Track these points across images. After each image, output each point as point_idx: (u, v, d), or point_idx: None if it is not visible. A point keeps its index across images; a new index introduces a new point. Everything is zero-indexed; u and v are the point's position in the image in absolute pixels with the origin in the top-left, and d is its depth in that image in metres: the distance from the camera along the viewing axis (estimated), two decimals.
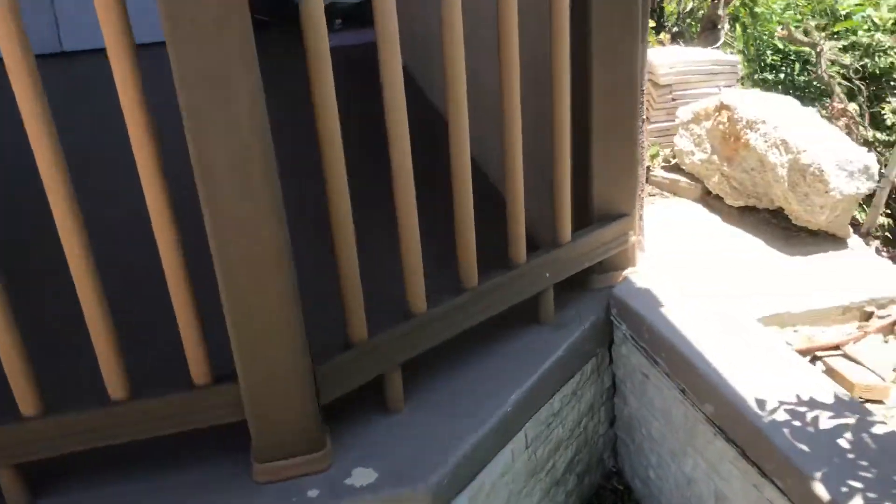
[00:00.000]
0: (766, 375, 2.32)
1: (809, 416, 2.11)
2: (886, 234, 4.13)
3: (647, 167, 4.57)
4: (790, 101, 4.17)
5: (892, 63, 5.75)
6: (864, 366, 3.20)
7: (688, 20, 5.88)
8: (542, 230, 2.81)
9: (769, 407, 2.15)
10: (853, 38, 5.93)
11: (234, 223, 1.79)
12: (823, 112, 4.80)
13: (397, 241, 2.18)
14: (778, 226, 3.97)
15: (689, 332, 2.54)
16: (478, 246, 2.35)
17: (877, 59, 5.83)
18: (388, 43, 1.96)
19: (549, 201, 2.62)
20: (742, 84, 5.30)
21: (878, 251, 3.80)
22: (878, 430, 2.05)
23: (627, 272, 2.90)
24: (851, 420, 2.09)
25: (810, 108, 4.17)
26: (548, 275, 2.61)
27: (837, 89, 4.89)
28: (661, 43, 5.69)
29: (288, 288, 1.89)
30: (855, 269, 3.61)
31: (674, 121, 4.58)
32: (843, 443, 2.00)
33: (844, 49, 5.89)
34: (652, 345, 2.62)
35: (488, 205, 2.69)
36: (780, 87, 5.72)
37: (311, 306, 2.02)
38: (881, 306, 3.45)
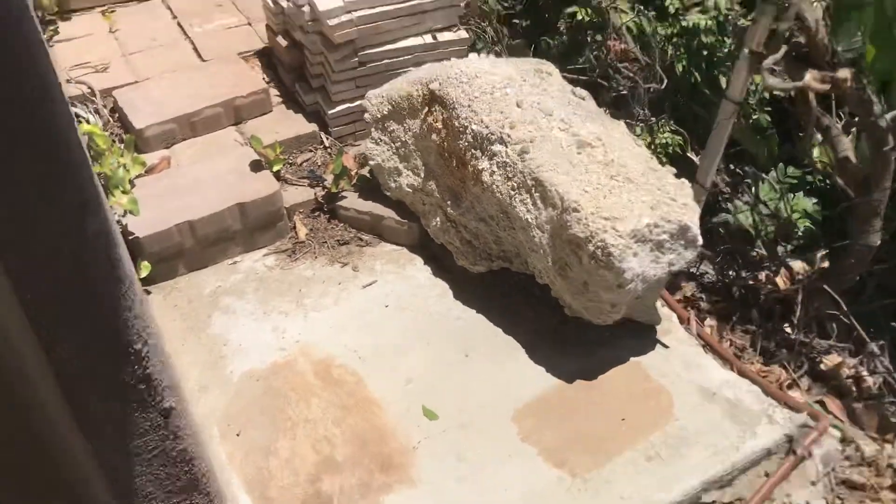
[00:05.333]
0: None
1: None
2: (701, 293, 2.61)
3: (332, 193, 2.72)
4: (553, 89, 2.41)
5: None
6: None
7: None
8: None
9: None
10: None
11: None
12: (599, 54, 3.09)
13: None
14: (544, 301, 2.35)
15: None
16: None
17: None
18: None
19: None
20: (481, 31, 3.46)
21: (705, 343, 2.29)
22: None
23: None
24: None
25: (586, 101, 2.42)
26: None
27: (615, 18, 3.16)
28: None
29: None
30: (678, 405, 2.10)
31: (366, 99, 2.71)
32: None
33: None
34: None
35: None
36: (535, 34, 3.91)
37: None
38: (724, 485, 2.00)
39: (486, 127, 2.22)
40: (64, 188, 0.86)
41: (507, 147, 2.17)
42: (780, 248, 2.66)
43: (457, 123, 2.30)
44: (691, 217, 2.04)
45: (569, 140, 2.16)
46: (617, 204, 2.00)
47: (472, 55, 2.66)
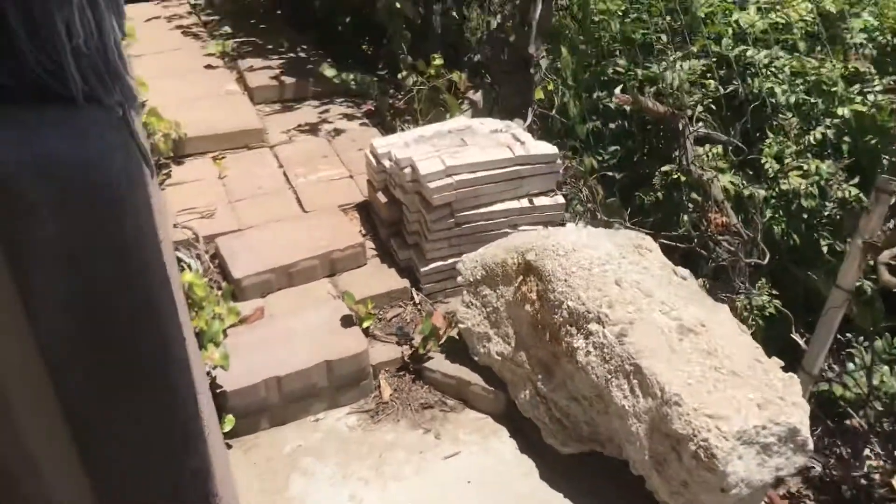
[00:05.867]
0: None
1: None
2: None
3: (419, 353, 2.69)
4: (654, 268, 2.36)
5: (771, 87, 4.07)
6: None
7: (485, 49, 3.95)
8: None
9: None
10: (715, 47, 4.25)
11: None
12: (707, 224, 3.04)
13: None
14: (638, 491, 2.20)
15: None
16: None
17: (750, 81, 4.17)
18: None
19: None
20: (577, 192, 3.49)
21: None
22: None
23: None
24: None
25: (688, 282, 2.34)
26: None
27: (716, 190, 3.14)
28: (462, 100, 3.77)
29: None
30: None
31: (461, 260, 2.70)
32: None
33: (705, 73, 4.20)
34: None
35: None
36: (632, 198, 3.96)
37: None
38: None
39: (583, 304, 2.17)
40: (169, 430, 0.85)
41: (604, 327, 2.10)
42: (885, 422, 2.46)
43: (552, 297, 2.25)
44: (801, 419, 1.90)
45: (670, 324, 2.08)
46: (721, 400, 1.88)
47: (570, 225, 2.65)
